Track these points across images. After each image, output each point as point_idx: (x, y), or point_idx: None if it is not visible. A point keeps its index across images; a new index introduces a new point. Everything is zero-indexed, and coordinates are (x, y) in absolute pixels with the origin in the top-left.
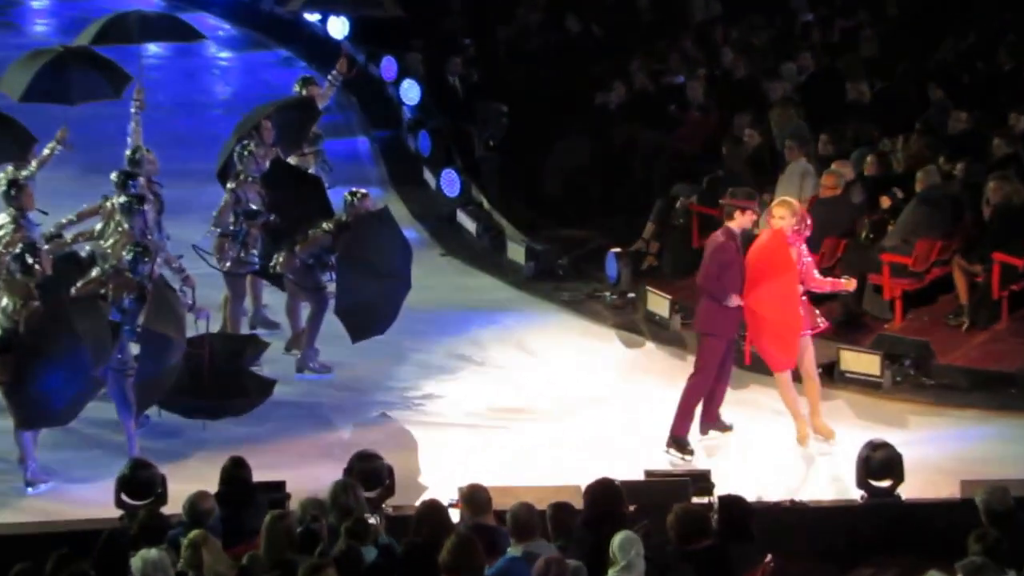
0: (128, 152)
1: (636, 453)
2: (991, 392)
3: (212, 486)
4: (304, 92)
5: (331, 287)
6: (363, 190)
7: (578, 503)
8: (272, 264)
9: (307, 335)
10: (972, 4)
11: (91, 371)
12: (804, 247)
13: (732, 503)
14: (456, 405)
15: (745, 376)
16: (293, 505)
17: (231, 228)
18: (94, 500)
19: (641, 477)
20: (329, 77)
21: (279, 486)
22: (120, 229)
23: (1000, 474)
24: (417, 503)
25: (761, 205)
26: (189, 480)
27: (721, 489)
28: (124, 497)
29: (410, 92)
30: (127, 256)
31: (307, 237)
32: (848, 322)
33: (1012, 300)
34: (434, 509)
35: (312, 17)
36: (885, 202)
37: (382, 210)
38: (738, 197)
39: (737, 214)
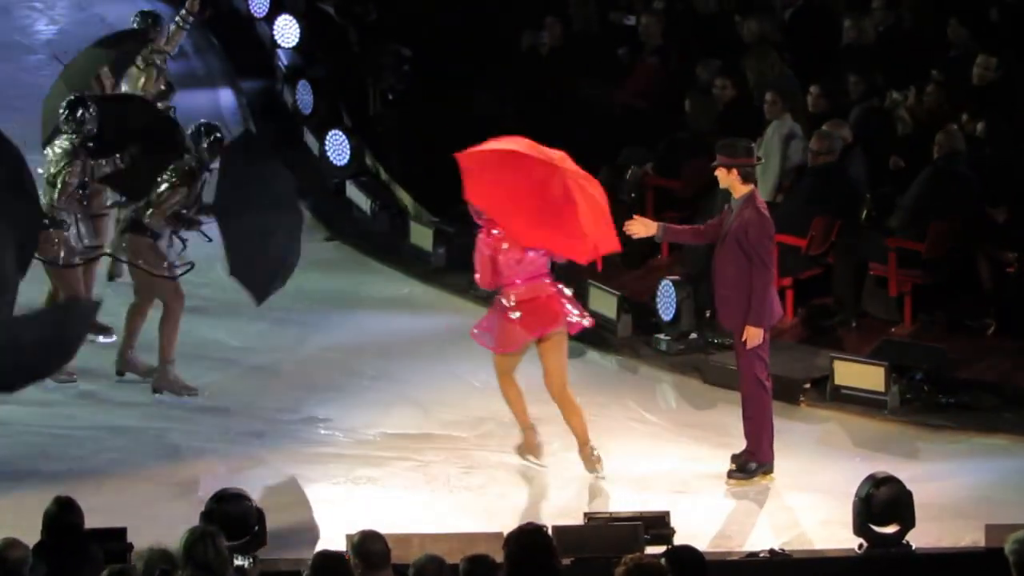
0: None
1: (574, 490)
2: None
3: (30, 536)
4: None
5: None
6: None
7: (499, 554)
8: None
9: (163, 344)
10: None
11: None
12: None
13: (683, 556)
14: (344, 431)
15: (711, 394)
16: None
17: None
18: None
19: (580, 521)
20: (177, 19)
21: (118, 534)
22: None
23: None
24: (296, 555)
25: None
26: None
27: (683, 537)
28: None
29: (287, 31)
30: None
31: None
32: (843, 325)
33: None
34: (333, 563)
35: None
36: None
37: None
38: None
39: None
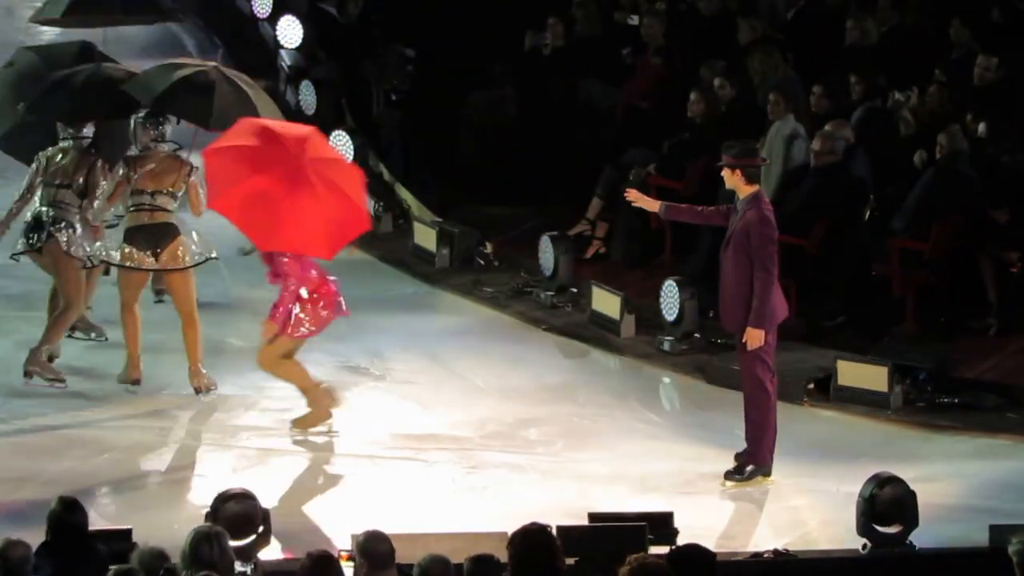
0: None
1: (578, 490)
2: None
3: (35, 536)
4: None
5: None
6: None
7: (504, 554)
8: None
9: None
10: None
11: None
12: None
13: (690, 555)
14: (350, 430)
15: (714, 395)
16: None
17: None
18: None
19: (583, 521)
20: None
21: (124, 535)
22: None
23: None
24: (300, 555)
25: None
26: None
27: (687, 537)
28: None
29: (290, 32)
30: None
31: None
32: (849, 325)
33: None
34: (324, 564)
35: None
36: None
37: None
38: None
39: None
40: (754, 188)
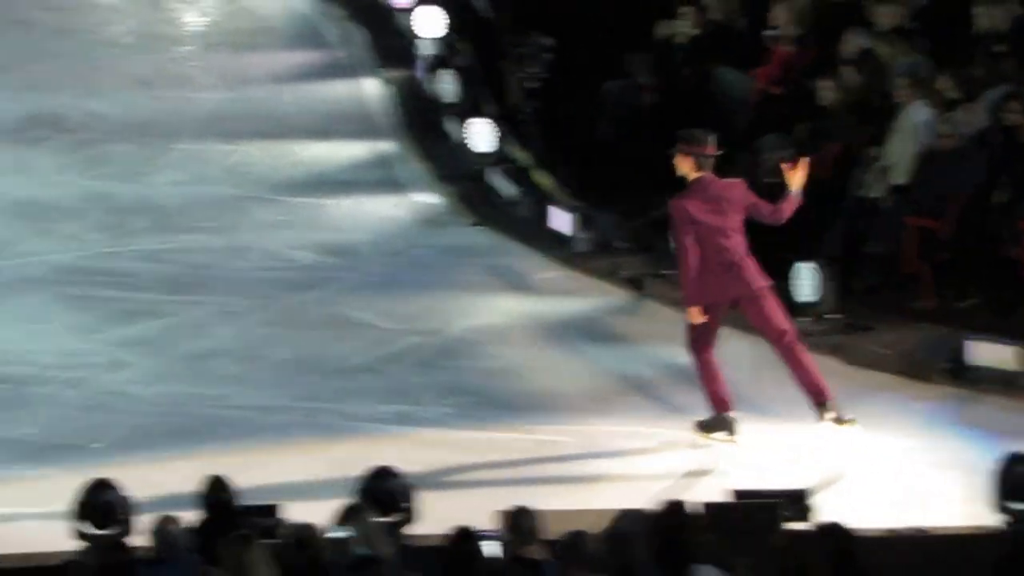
0: None
1: (716, 468)
2: None
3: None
4: None
5: None
6: None
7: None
8: None
9: None
10: None
11: None
12: None
13: (831, 533)
14: (493, 411)
15: (850, 374)
16: None
17: None
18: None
19: (723, 499)
20: None
21: (269, 511)
22: None
23: None
24: (440, 531)
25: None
26: (154, 506)
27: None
28: (82, 526)
29: (429, 22)
30: None
31: None
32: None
33: None
34: (464, 539)
35: None
36: None
37: None
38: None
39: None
40: (700, 175)
